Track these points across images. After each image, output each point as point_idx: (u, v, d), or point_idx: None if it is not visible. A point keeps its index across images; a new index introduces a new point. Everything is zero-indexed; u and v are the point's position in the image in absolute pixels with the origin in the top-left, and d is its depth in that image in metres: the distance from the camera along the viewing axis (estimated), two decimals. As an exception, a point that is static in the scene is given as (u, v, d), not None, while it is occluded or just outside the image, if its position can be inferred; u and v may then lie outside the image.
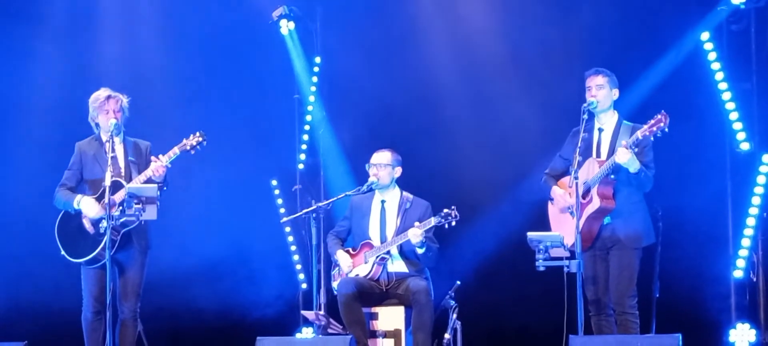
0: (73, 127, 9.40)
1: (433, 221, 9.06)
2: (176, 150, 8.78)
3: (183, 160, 8.88)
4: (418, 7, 10.90)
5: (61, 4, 10.78)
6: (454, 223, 9.02)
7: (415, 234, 9.04)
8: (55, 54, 10.77)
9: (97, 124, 8.83)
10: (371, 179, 9.38)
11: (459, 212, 8.99)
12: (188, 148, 8.80)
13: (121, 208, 8.46)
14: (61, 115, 10.49)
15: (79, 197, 8.75)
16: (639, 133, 8.30)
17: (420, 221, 9.12)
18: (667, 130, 8.19)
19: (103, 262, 8.51)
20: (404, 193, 9.45)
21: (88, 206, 8.70)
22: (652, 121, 8.24)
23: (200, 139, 8.81)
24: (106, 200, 8.37)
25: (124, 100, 8.82)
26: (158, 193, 8.52)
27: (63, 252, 8.76)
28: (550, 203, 8.86)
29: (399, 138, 10.25)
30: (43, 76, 10.77)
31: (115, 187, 8.53)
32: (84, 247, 8.70)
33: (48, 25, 10.83)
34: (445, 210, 9.02)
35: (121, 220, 8.49)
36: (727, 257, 10.09)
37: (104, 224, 8.42)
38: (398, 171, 9.43)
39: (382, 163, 9.39)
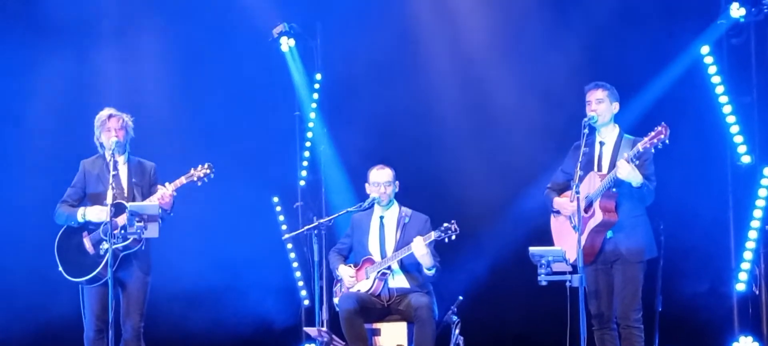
0: (74, 143, 9.40)
1: (433, 235, 9.04)
2: (183, 180, 8.78)
3: (185, 176, 8.89)
4: (418, 23, 10.91)
5: (65, 21, 10.79)
6: (454, 237, 9.00)
7: (419, 245, 9.03)
8: (56, 70, 10.79)
9: (101, 144, 8.83)
10: (374, 195, 9.35)
11: (460, 226, 8.97)
12: (195, 179, 8.79)
13: (122, 231, 8.47)
14: (63, 131, 10.50)
15: (82, 209, 8.74)
16: (640, 146, 8.29)
17: (420, 235, 9.11)
18: (667, 142, 8.19)
19: (103, 280, 8.50)
20: (402, 208, 9.45)
21: (93, 213, 8.68)
22: (653, 133, 8.23)
23: (207, 171, 8.80)
24: (107, 218, 8.38)
25: (127, 118, 8.82)
26: (160, 211, 8.53)
27: (61, 269, 8.74)
28: (553, 217, 8.85)
29: (400, 153, 10.26)
30: (45, 91, 10.79)
31: (118, 209, 8.53)
32: (84, 266, 8.67)
33: (51, 39, 10.85)
34: (445, 224, 9.00)
35: (122, 244, 8.50)
36: (730, 270, 10.08)
37: (105, 246, 8.42)
38: (397, 186, 9.44)
39: (387, 181, 9.37)
